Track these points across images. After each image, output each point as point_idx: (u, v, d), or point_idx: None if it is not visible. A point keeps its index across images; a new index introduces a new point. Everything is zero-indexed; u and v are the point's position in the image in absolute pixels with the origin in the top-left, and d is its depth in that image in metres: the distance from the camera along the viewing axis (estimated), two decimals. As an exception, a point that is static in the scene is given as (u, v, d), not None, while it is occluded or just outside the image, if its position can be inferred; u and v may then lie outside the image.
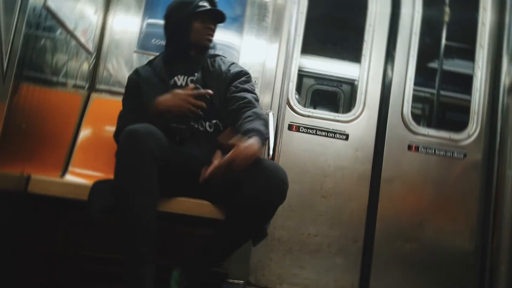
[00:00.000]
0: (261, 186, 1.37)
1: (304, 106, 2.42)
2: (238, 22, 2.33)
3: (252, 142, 1.39)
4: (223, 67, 1.77)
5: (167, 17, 1.81)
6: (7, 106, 1.22)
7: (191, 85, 1.62)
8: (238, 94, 1.64)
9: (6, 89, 1.21)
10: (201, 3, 1.74)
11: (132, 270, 1.31)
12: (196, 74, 1.73)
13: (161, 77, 1.72)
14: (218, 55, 1.86)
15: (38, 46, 1.40)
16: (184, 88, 1.64)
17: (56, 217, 1.76)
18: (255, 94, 1.69)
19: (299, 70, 2.47)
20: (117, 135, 1.66)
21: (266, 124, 1.55)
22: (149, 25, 2.26)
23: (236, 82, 1.70)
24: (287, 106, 2.33)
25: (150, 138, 1.36)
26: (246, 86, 1.69)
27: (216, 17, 1.78)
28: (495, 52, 2.51)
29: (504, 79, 2.46)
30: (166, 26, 1.81)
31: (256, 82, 2.31)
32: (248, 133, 1.43)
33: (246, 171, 1.37)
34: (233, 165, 1.34)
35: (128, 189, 1.33)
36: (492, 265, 2.33)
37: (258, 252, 2.24)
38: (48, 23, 1.45)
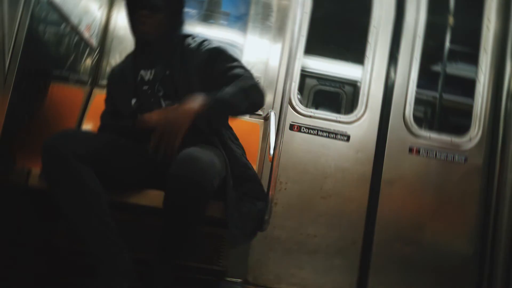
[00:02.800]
0: (173, 177, 1.29)
1: (306, 106, 2.41)
2: (242, 21, 2.33)
3: (196, 101, 1.35)
4: (194, 47, 1.61)
5: None
6: (9, 100, 1.22)
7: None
8: (223, 77, 1.53)
9: (8, 83, 1.21)
10: None
11: (105, 264, 1.30)
12: (162, 66, 1.60)
13: (127, 74, 1.65)
14: (189, 36, 1.68)
15: (42, 40, 1.40)
16: (152, 82, 1.59)
17: (56, 211, 1.76)
18: (236, 61, 1.58)
19: (302, 70, 2.47)
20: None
21: (247, 87, 1.46)
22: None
23: (216, 64, 1.57)
24: (289, 106, 2.32)
25: (67, 141, 1.32)
26: (228, 64, 1.56)
27: (141, 3, 1.55)
28: (498, 57, 2.50)
29: (507, 84, 2.45)
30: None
31: (259, 81, 2.31)
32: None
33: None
34: (165, 132, 1.31)
35: (66, 201, 1.31)
36: (491, 269, 2.33)
37: (256, 251, 2.25)
38: (52, 17, 1.45)
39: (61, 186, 1.31)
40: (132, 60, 1.68)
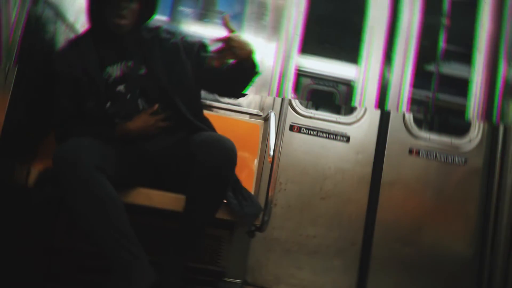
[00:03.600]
0: (209, 153, 1.38)
1: (305, 107, 2.41)
2: (237, 20, 2.32)
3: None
4: (173, 39, 1.59)
5: None
6: (9, 99, 1.22)
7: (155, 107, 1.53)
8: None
9: (8, 83, 1.21)
10: None
11: (118, 272, 1.29)
12: (136, 62, 1.54)
13: (92, 71, 1.49)
14: (159, 28, 1.63)
15: (38, 38, 1.39)
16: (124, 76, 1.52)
17: (55, 210, 1.76)
18: None
19: (297, 70, 2.46)
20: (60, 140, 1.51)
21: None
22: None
23: (201, 53, 1.61)
24: (289, 107, 2.32)
25: (81, 153, 1.31)
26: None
27: None
28: (493, 57, 2.50)
29: (501, 84, 2.45)
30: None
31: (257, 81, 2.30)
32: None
33: (193, 152, 1.39)
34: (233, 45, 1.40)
35: (85, 211, 1.30)
36: (490, 271, 2.33)
37: (255, 251, 2.24)
38: (48, 15, 1.44)
39: (79, 196, 1.29)
40: (90, 55, 1.51)
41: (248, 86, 1.60)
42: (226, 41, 1.41)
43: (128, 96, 1.53)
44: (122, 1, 1.45)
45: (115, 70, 1.53)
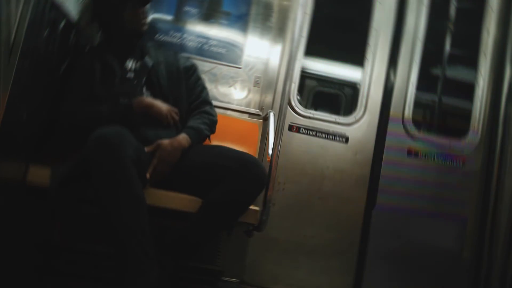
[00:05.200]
0: (243, 179, 1.44)
1: (305, 107, 2.41)
2: (243, 21, 2.33)
3: (180, 137, 1.57)
4: (170, 56, 1.82)
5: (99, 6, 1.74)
6: (8, 96, 1.22)
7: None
8: (194, 91, 1.80)
9: (7, 80, 1.21)
10: None
11: (135, 274, 1.30)
12: (145, 59, 1.72)
13: (112, 63, 1.66)
14: (152, 41, 1.91)
15: (42, 37, 1.40)
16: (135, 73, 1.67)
17: (54, 208, 1.76)
18: (205, 87, 1.86)
19: (302, 71, 2.47)
20: (70, 125, 1.59)
21: (210, 123, 1.74)
22: (154, 20, 2.26)
23: (190, 77, 1.81)
24: (288, 107, 2.32)
25: (124, 142, 1.32)
26: (200, 82, 1.85)
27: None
28: (498, 61, 2.51)
29: (506, 88, 2.45)
30: (101, 14, 1.74)
31: (258, 81, 2.31)
32: (183, 130, 1.62)
33: (226, 165, 1.45)
34: (161, 161, 1.48)
35: (113, 202, 1.30)
36: (487, 273, 2.34)
37: (253, 251, 2.24)
38: (52, 14, 1.45)
39: (111, 186, 1.29)
40: (113, 51, 1.71)
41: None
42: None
43: (135, 82, 1.65)
44: (143, 7, 1.68)
45: (132, 64, 1.70)
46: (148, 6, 1.75)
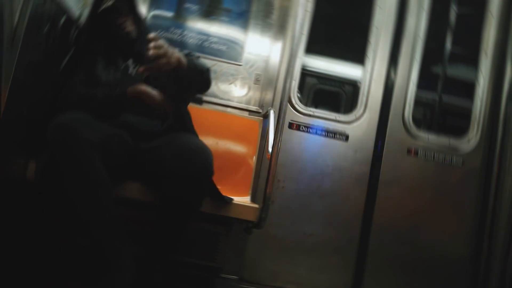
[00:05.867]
0: (187, 167, 1.36)
1: (306, 105, 2.41)
2: (243, 18, 2.32)
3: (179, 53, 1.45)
4: None
5: None
6: (8, 91, 1.22)
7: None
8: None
9: (7, 75, 1.21)
10: None
11: (110, 258, 1.28)
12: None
13: (115, 60, 1.68)
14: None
15: (42, 33, 1.39)
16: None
17: (53, 204, 1.76)
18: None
19: (302, 69, 2.47)
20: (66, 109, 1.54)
21: (206, 69, 1.62)
22: (154, 16, 2.26)
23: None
24: (288, 105, 2.32)
25: (82, 126, 1.28)
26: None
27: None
28: (499, 60, 2.51)
29: (507, 88, 2.45)
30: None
31: (259, 79, 2.31)
32: None
33: (174, 155, 1.38)
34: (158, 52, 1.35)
35: (76, 189, 1.27)
36: (486, 272, 2.34)
37: (252, 248, 2.25)
38: (52, 10, 1.44)
39: (72, 172, 1.26)
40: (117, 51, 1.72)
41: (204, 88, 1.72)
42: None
43: (136, 76, 1.62)
44: (119, 22, 1.65)
45: (130, 62, 1.69)
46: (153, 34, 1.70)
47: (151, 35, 1.38)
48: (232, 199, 1.59)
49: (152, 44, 1.34)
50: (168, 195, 1.39)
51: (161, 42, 1.37)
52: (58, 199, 1.60)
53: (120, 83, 1.57)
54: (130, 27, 1.68)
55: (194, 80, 1.60)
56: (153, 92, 1.52)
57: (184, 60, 1.46)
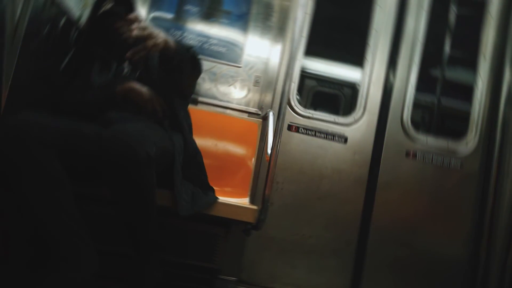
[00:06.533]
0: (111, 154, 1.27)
1: (305, 107, 2.42)
2: (243, 20, 2.33)
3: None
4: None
5: None
6: (8, 93, 1.22)
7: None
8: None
9: (7, 77, 1.21)
10: None
11: (67, 256, 1.24)
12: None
13: (109, 61, 1.68)
14: None
15: (42, 34, 1.40)
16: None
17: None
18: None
19: (302, 71, 2.47)
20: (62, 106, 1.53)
21: (187, 46, 1.56)
22: (154, 18, 2.26)
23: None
24: (287, 107, 2.33)
25: (33, 125, 1.23)
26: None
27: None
28: (497, 64, 2.52)
29: (505, 91, 2.46)
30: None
31: (258, 81, 2.32)
32: None
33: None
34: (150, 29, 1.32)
35: (28, 190, 1.22)
36: (484, 275, 2.34)
37: (251, 250, 2.25)
38: (52, 11, 1.45)
39: (23, 173, 1.21)
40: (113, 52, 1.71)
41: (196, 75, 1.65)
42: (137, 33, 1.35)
43: (128, 75, 1.62)
44: (118, 26, 1.60)
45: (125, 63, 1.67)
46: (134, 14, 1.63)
47: (132, 15, 1.34)
48: (216, 199, 1.58)
49: (135, 25, 1.30)
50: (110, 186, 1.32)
51: (145, 23, 1.34)
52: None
53: (112, 84, 1.57)
54: (128, 31, 1.68)
55: (183, 61, 1.52)
56: (142, 89, 1.50)
57: (170, 40, 1.42)
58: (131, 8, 1.71)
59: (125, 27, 1.63)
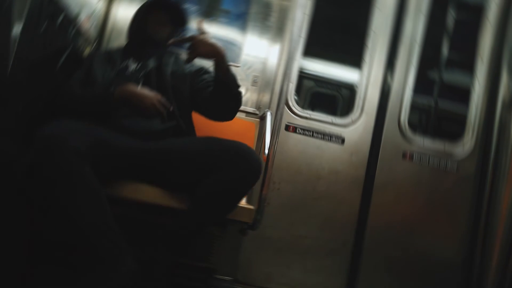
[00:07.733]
0: (238, 167, 1.37)
1: (302, 108, 2.42)
2: (242, 19, 2.33)
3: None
4: (182, 65, 1.79)
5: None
6: (4, 89, 1.22)
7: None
8: (206, 83, 1.72)
9: (4, 74, 1.21)
10: None
11: (107, 266, 1.26)
12: (150, 63, 1.71)
13: (116, 58, 1.70)
14: (176, 53, 1.88)
15: (39, 31, 1.39)
16: (134, 72, 1.66)
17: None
18: None
19: (300, 72, 2.47)
20: (60, 106, 1.56)
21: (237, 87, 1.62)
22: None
23: (202, 75, 1.77)
24: (285, 107, 2.33)
25: (69, 134, 1.24)
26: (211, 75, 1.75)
27: (162, 7, 1.77)
28: (494, 67, 2.53)
29: (502, 94, 2.47)
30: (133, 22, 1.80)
31: (256, 80, 2.32)
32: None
33: (219, 153, 1.40)
34: (197, 42, 1.44)
35: (65, 202, 1.24)
36: (479, 277, 2.35)
37: (247, 250, 2.25)
38: (50, 9, 1.44)
39: (60, 184, 1.22)
40: (122, 50, 1.77)
41: (234, 106, 1.67)
42: (192, 38, 1.46)
43: (132, 78, 1.64)
44: (162, 13, 1.75)
45: (134, 64, 1.71)
46: (168, 17, 1.80)
47: (201, 24, 1.49)
48: None
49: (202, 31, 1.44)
50: (225, 177, 1.37)
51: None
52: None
53: (114, 83, 1.56)
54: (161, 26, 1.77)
55: (231, 88, 1.59)
56: (142, 92, 1.49)
57: (227, 58, 1.53)
58: (183, 21, 1.84)
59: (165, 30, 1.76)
